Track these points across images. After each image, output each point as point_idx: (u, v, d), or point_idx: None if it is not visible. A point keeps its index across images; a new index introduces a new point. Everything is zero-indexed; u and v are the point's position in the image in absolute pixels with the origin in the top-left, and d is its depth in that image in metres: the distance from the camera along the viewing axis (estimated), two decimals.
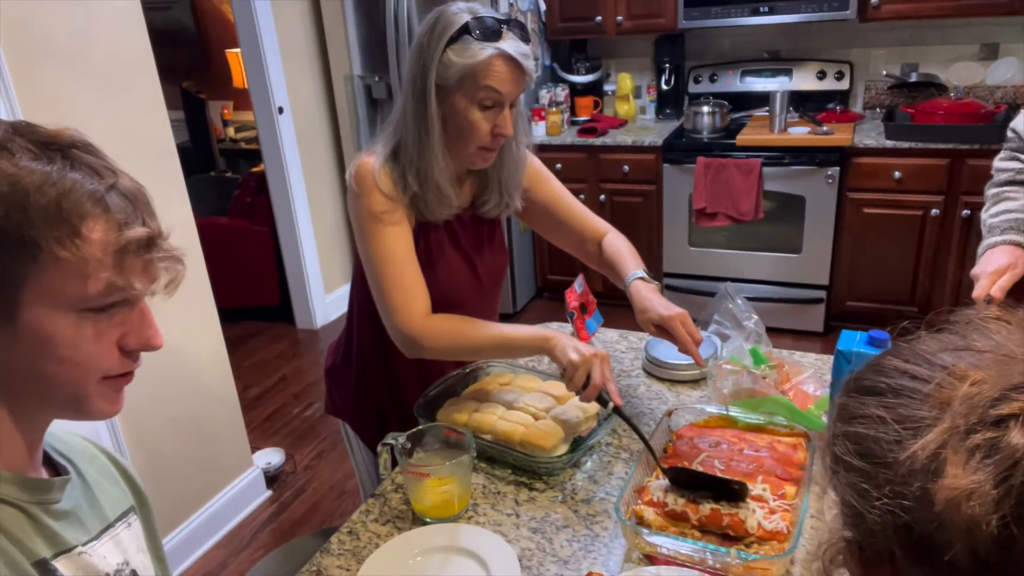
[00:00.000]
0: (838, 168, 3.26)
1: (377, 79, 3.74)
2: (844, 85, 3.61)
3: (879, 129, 3.31)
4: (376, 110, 3.84)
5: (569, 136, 3.78)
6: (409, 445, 1.16)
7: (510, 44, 1.17)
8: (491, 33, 1.16)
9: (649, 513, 1.05)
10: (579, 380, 1.17)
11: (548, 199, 1.45)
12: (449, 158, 1.26)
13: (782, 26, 3.54)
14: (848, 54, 3.63)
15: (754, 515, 1.01)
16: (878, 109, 3.60)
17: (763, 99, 3.70)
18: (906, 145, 3.13)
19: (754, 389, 1.27)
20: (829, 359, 1.46)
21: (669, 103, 3.92)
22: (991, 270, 1.39)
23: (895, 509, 0.41)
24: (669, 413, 1.25)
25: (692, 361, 1.29)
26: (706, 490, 1.06)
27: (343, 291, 4.17)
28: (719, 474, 1.09)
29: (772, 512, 1.02)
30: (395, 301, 1.26)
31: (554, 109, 3.80)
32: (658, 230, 3.68)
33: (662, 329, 1.26)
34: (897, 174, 3.18)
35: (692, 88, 3.89)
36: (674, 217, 3.61)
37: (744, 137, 3.39)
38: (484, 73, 1.17)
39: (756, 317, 1.45)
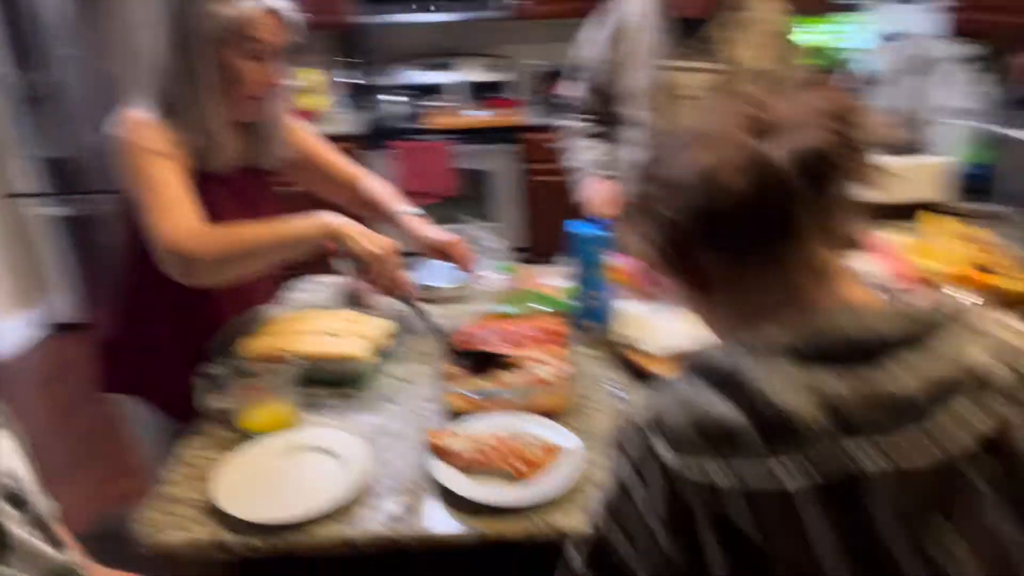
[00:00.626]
0: (518, 145, 3.78)
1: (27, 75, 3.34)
2: (510, 76, 4.17)
3: (543, 111, 3.91)
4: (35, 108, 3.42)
5: None
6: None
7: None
8: None
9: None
10: (387, 275, 1.31)
11: (305, 145, 1.56)
12: (222, 108, 1.30)
13: (450, 25, 3.96)
14: (507, 49, 4.20)
15: (543, 370, 1.27)
16: (538, 96, 4.22)
17: (439, 89, 4.11)
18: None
19: (513, 288, 1.55)
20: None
21: (358, 96, 4.12)
22: (595, 197, 1.82)
23: (692, 200, 0.65)
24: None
25: (454, 284, 1.57)
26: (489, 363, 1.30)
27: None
28: (504, 351, 1.34)
29: (554, 366, 1.30)
30: (162, 223, 1.21)
31: None
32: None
33: (439, 252, 1.49)
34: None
35: (372, 80, 4.15)
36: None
37: (432, 122, 3.75)
38: (251, 24, 1.24)
39: (502, 240, 1.74)
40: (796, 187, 0.59)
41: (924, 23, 2.71)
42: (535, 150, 3.80)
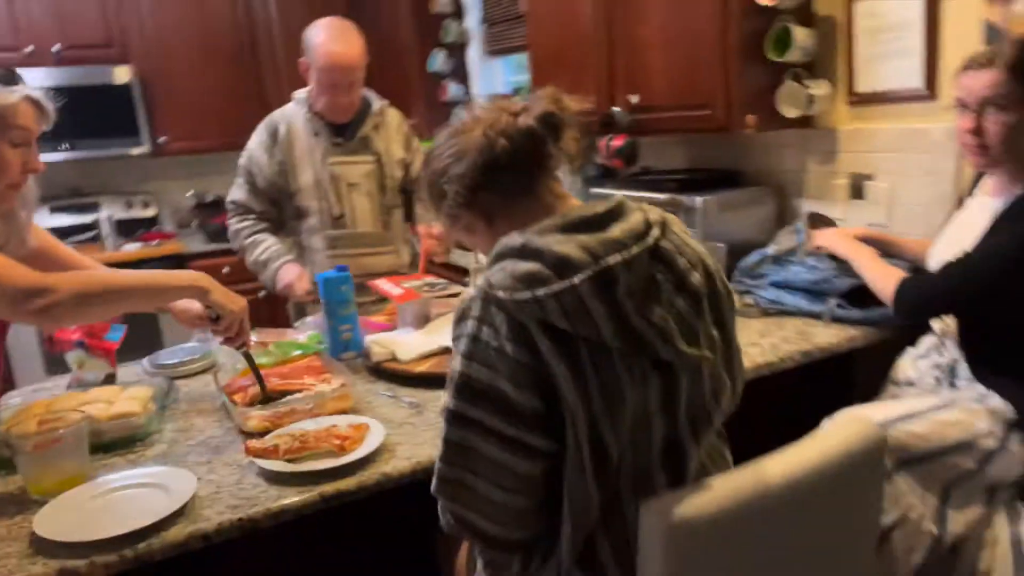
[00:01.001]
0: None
1: None
2: (152, 211, 4.13)
3: (201, 237, 3.98)
4: None
5: None
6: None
7: (30, 89, 1.35)
8: (10, 79, 1.33)
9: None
10: (234, 331, 1.42)
11: (39, 238, 1.56)
12: None
13: (85, 163, 3.84)
14: (147, 186, 4.18)
15: (324, 388, 1.47)
16: (191, 225, 4.25)
17: (75, 231, 3.90)
18: (227, 246, 3.84)
19: (261, 342, 1.71)
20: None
21: None
22: (293, 278, 2.07)
23: (475, 160, 1.00)
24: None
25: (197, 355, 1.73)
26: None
27: None
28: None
29: (330, 381, 1.50)
30: (11, 273, 1.23)
31: None
32: None
33: (204, 319, 1.60)
34: (226, 269, 3.86)
35: None
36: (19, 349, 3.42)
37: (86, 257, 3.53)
38: (14, 113, 1.31)
39: None
40: (542, 136, 0.99)
41: None
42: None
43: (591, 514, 0.93)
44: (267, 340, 1.72)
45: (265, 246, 2.15)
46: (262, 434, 1.32)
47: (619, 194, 1.04)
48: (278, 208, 2.21)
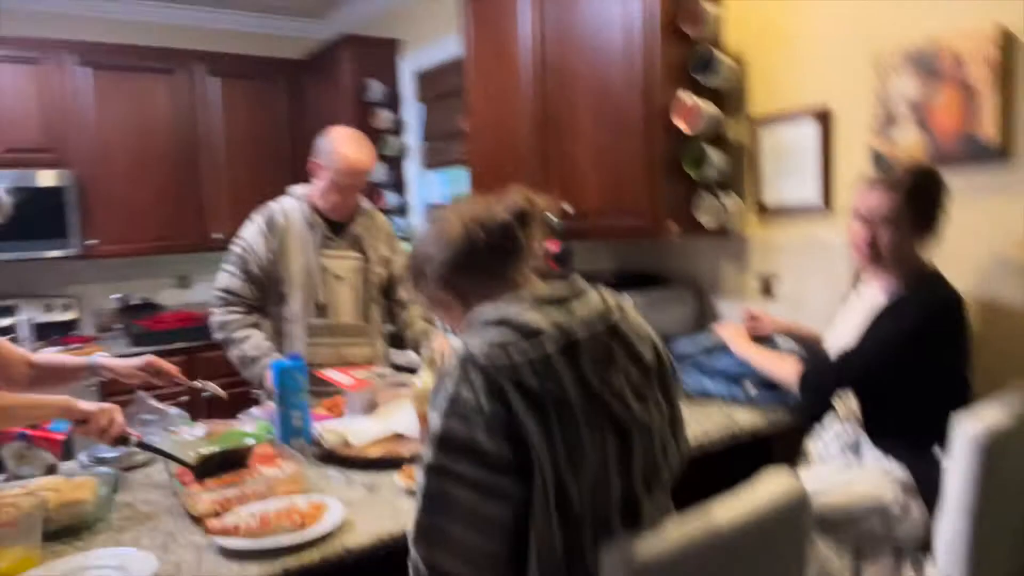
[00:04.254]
0: (98, 378, 3.61)
1: None
2: (73, 315, 4.02)
3: (123, 340, 3.88)
4: None
5: None
6: None
7: None
8: None
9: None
10: (104, 421, 1.44)
11: None
12: None
13: (6, 265, 3.74)
14: (69, 289, 4.08)
15: (272, 472, 1.49)
16: (111, 329, 4.14)
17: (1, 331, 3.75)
18: (152, 348, 3.78)
19: (214, 430, 1.71)
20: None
21: None
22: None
23: (453, 248, 1.12)
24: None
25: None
26: (226, 469, 1.48)
27: None
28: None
29: (280, 466, 1.52)
30: None
31: None
32: None
33: (143, 374, 1.69)
34: None
35: None
36: None
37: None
38: None
39: (175, 408, 1.88)
40: (514, 228, 1.13)
41: None
42: (119, 384, 3.69)
43: (556, 560, 0.99)
44: (216, 430, 1.72)
45: (253, 343, 2.20)
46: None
47: (575, 275, 1.18)
48: (264, 294, 2.27)
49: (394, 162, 4.08)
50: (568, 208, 2.54)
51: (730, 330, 2.05)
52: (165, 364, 1.71)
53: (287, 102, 4.43)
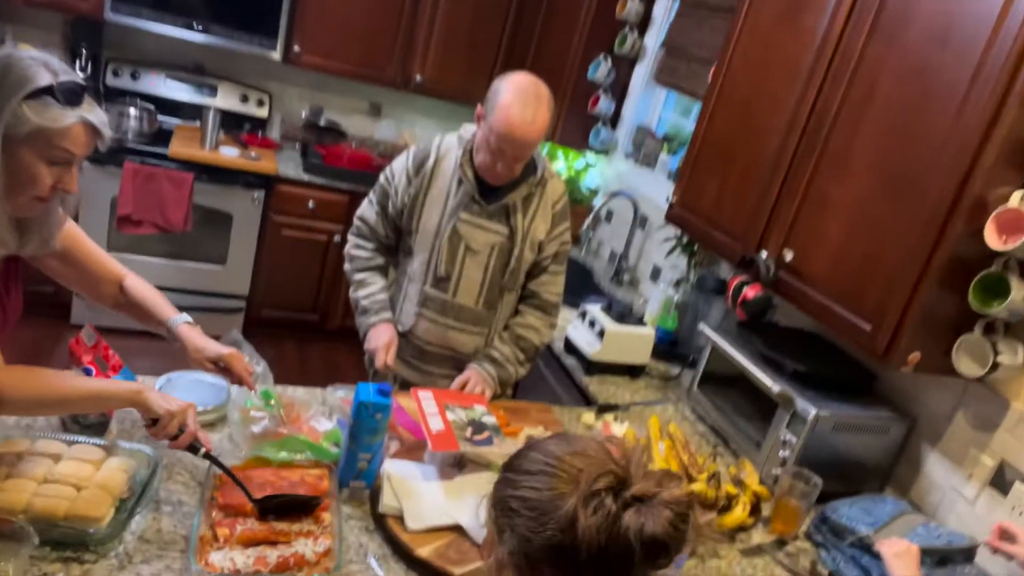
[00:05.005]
0: (263, 191, 3.61)
1: None
2: (264, 112, 3.98)
3: (297, 162, 3.80)
4: None
5: None
6: None
7: (92, 113, 1.16)
8: (74, 98, 1.13)
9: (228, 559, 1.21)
10: (173, 429, 1.27)
11: (66, 237, 1.39)
12: (5, 205, 1.15)
13: (213, 48, 3.67)
14: (268, 85, 4.00)
15: (307, 546, 1.28)
16: (296, 144, 4.08)
17: (186, 108, 3.78)
18: (319, 180, 3.70)
19: (278, 431, 1.52)
20: (320, 393, 1.81)
21: None
22: (381, 345, 1.91)
23: (555, 534, 0.77)
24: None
25: (203, 407, 1.54)
26: (288, 511, 1.31)
27: None
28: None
29: (317, 537, 1.31)
30: None
31: None
32: None
33: (216, 365, 1.43)
34: (311, 203, 3.72)
35: (111, 81, 3.67)
36: (92, 220, 3.37)
37: (177, 150, 3.42)
38: (62, 135, 1.13)
39: (264, 362, 1.69)
40: (637, 560, 0.76)
41: (653, 188, 3.24)
42: (283, 201, 3.68)
43: None
44: (282, 431, 1.53)
45: (368, 291, 2.00)
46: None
47: None
48: (399, 236, 2.04)
49: (623, 63, 3.48)
50: (787, 254, 1.97)
51: (898, 549, 1.47)
52: (241, 365, 1.48)
53: None
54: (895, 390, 2.01)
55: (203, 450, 1.32)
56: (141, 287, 1.51)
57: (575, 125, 3.54)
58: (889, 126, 1.74)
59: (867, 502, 1.78)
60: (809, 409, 1.83)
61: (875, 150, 1.77)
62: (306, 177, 3.67)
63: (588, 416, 2.05)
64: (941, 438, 1.90)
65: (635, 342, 2.35)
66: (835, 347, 2.12)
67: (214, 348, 1.47)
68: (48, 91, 1.11)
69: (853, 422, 1.88)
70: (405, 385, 2.06)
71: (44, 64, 1.13)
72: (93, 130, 1.18)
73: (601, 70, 3.41)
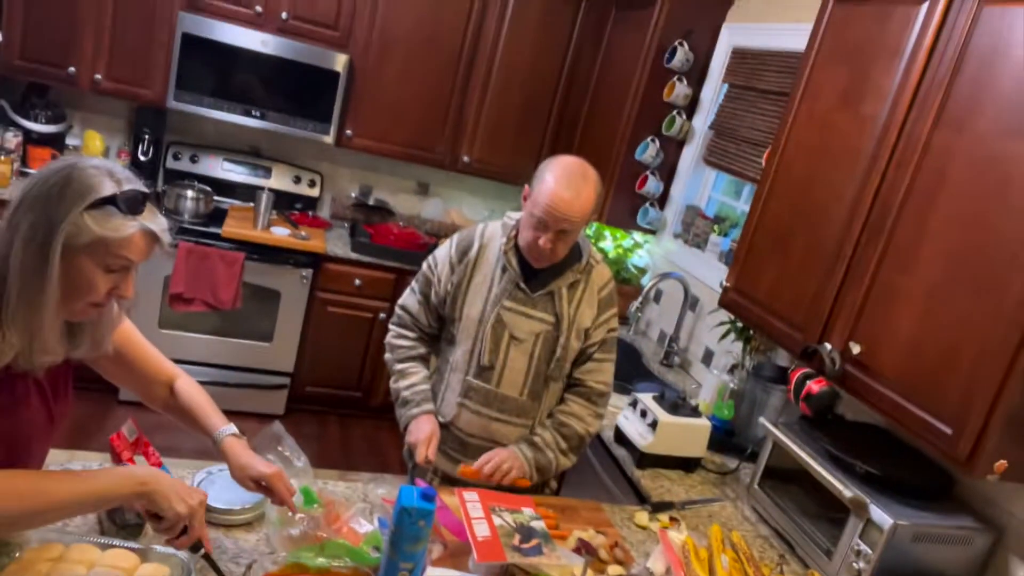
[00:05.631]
0: (311, 270, 3.64)
1: None
2: (315, 192, 4.06)
3: (345, 240, 3.85)
4: None
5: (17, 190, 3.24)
6: None
7: (153, 221, 1.16)
8: (136, 206, 1.13)
9: None
10: (178, 530, 1.19)
11: (120, 338, 1.37)
12: (60, 311, 1.14)
13: (268, 133, 3.78)
14: (320, 166, 4.10)
15: None
16: (344, 223, 4.14)
17: (241, 188, 3.88)
18: (366, 259, 3.73)
19: (317, 533, 1.45)
20: (361, 487, 1.74)
21: (144, 175, 3.72)
22: (423, 438, 1.85)
23: None
24: (250, 565, 1.32)
25: (241, 505, 1.49)
26: None
27: None
28: None
29: None
30: None
31: (2, 157, 3.22)
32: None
33: (258, 484, 1.36)
34: (357, 281, 3.73)
35: (171, 164, 3.80)
36: (144, 298, 3.43)
37: (230, 230, 3.49)
38: (123, 244, 1.13)
39: (305, 457, 1.63)
40: None
41: (704, 269, 3.16)
42: (330, 279, 3.71)
43: None
44: (321, 534, 1.46)
45: (410, 382, 1.96)
46: None
47: None
48: (441, 325, 2.01)
49: (671, 144, 3.46)
50: (854, 347, 1.86)
51: None
52: (283, 485, 1.40)
53: (575, 34, 3.90)
54: (978, 496, 1.85)
55: (203, 550, 1.25)
56: (191, 391, 1.46)
57: (623, 205, 3.52)
58: (962, 215, 1.65)
59: None
60: (886, 518, 1.69)
61: (948, 240, 1.68)
62: (354, 256, 3.70)
63: (641, 516, 1.93)
64: None
65: (690, 434, 2.23)
66: (908, 446, 1.98)
67: (257, 468, 1.39)
68: (111, 200, 1.11)
69: (934, 532, 1.72)
70: (446, 478, 1.99)
71: (108, 173, 1.14)
72: (153, 238, 1.17)
73: (649, 151, 3.40)
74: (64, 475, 1.15)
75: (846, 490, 1.76)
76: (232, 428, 1.42)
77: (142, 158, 3.69)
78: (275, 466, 1.40)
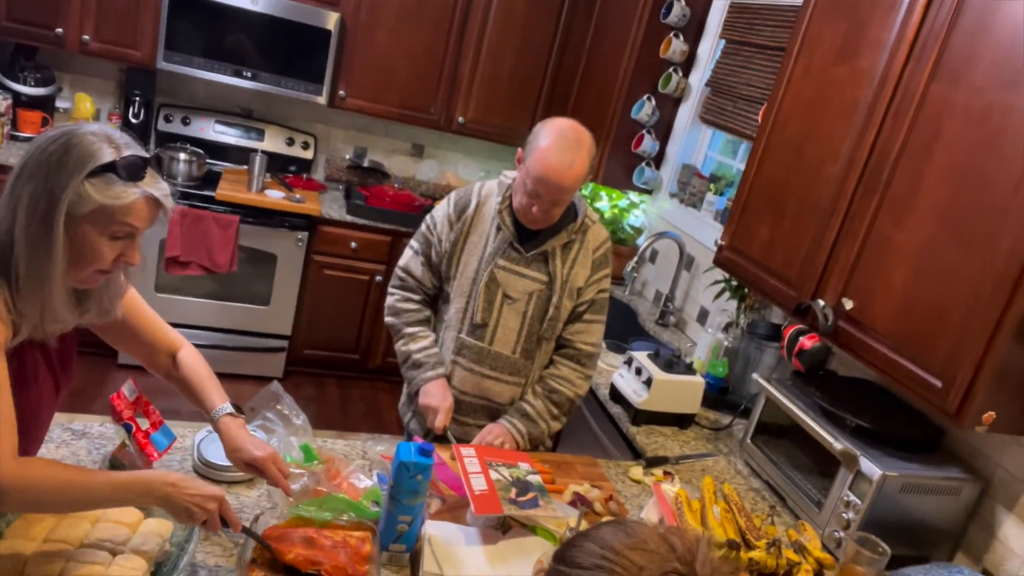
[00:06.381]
0: (307, 233, 3.64)
1: None
2: (309, 155, 4.03)
3: (340, 203, 3.83)
4: None
5: (11, 154, 3.22)
6: None
7: (155, 186, 1.14)
8: (136, 171, 1.11)
9: None
10: (199, 523, 1.20)
11: (125, 304, 1.37)
12: (67, 280, 1.14)
13: (261, 93, 3.74)
14: (314, 128, 4.06)
15: None
16: (339, 185, 4.12)
17: (234, 151, 3.85)
18: (361, 221, 3.72)
19: (317, 488, 1.48)
20: (360, 445, 1.76)
21: (135, 137, 3.69)
22: (445, 406, 1.86)
23: None
24: (257, 517, 1.35)
25: None
26: None
27: None
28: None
29: None
30: None
31: None
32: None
33: (250, 467, 1.36)
34: (353, 244, 3.73)
35: (162, 126, 3.76)
36: (140, 261, 3.41)
37: (224, 193, 3.47)
38: (125, 211, 1.11)
39: (304, 416, 1.65)
40: None
41: (700, 229, 3.16)
42: (326, 242, 3.70)
43: None
44: (322, 489, 1.48)
45: (422, 345, 1.96)
46: None
47: None
48: (442, 285, 2.01)
49: (667, 102, 3.43)
50: (847, 303, 1.88)
51: None
52: (274, 471, 1.38)
53: None
54: (966, 448, 1.88)
55: (241, 528, 1.27)
56: (193, 365, 1.45)
57: (618, 164, 3.50)
58: (956, 168, 1.65)
59: (940, 570, 1.66)
60: (875, 469, 1.72)
61: (942, 193, 1.68)
62: (349, 218, 3.69)
63: (636, 471, 1.96)
64: (1018, 502, 1.76)
65: (684, 391, 2.26)
66: (898, 400, 2.01)
67: (250, 452, 1.36)
68: (111, 167, 1.10)
69: (922, 483, 1.76)
70: (437, 437, 2.01)
71: (107, 139, 1.12)
72: (156, 203, 1.16)
73: (645, 109, 3.38)
74: (87, 469, 1.19)
75: (836, 443, 1.79)
76: (228, 407, 1.39)
77: (133, 120, 3.65)
78: (269, 448, 1.39)
